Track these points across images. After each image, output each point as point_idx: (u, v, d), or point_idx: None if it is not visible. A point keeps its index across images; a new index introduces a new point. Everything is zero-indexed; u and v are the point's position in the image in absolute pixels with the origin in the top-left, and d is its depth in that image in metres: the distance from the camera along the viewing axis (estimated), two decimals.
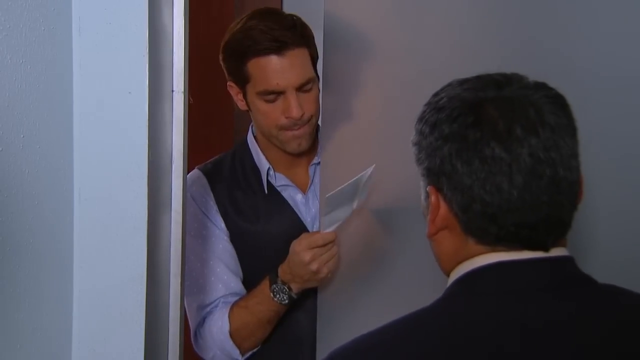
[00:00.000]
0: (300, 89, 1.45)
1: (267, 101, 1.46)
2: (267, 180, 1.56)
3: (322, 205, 1.40)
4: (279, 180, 1.57)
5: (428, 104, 0.91)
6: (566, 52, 1.34)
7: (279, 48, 1.42)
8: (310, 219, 1.55)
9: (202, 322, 1.54)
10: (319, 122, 1.54)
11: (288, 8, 1.71)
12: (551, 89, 0.88)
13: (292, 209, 1.55)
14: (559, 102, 0.87)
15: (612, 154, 1.34)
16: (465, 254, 0.88)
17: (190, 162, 1.19)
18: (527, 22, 1.37)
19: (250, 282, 1.55)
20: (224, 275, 1.54)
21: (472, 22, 1.40)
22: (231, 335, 1.50)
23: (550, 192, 0.83)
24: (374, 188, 1.43)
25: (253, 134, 1.61)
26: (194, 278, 1.52)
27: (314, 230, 1.53)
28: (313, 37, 1.49)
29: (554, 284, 0.85)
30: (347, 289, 1.50)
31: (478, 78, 0.89)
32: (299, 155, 1.55)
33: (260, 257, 1.55)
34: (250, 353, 1.54)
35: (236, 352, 1.51)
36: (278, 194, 1.56)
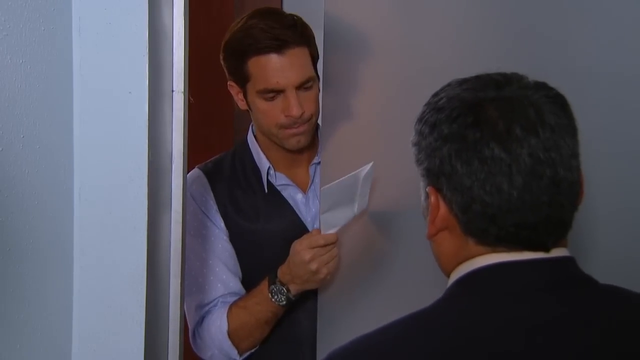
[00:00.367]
0: (300, 87, 1.45)
1: (267, 100, 1.46)
2: (268, 180, 1.56)
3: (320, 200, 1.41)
4: (279, 180, 1.57)
5: (427, 104, 0.90)
6: (566, 52, 1.34)
7: (279, 47, 1.42)
8: (310, 218, 1.55)
9: (200, 322, 1.54)
10: (319, 122, 1.54)
11: (288, 8, 1.71)
12: (551, 88, 0.88)
13: (292, 208, 1.55)
14: (559, 102, 0.86)
15: (613, 152, 1.34)
16: (466, 255, 0.88)
17: (190, 162, 1.18)
18: (527, 22, 1.37)
19: (249, 281, 1.55)
20: (223, 274, 1.54)
21: (472, 22, 1.40)
22: (229, 335, 1.50)
23: (551, 193, 0.83)
24: (374, 188, 1.43)
25: (253, 133, 1.61)
26: (193, 277, 1.53)
27: (312, 229, 1.53)
28: (313, 37, 1.49)
29: (555, 284, 0.85)
30: (348, 290, 1.50)
31: (477, 78, 0.89)
32: (299, 154, 1.56)
33: (259, 257, 1.55)
34: (248, 353, 1.54)
35: (234, 352, 1.51)
36: (278, 193, 1.56)
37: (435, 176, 0.87)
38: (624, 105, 1.32)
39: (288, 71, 1.44)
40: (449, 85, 0.90)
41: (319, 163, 1.55)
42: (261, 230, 1.54)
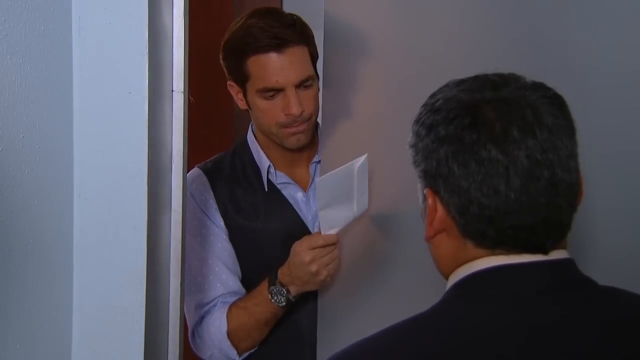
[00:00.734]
0: (300, 86, 1.45)
1: (267, 99, 1.46)
2: (268, 179, 1.56)
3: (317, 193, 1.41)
4: (280, 178, 1.57)
5: (424, 105, 0.90)
6: (566, 52, 1.34)
7: (278, 45, 1.43)
8: (311, 217, 1.55)
9: (200, 321, 1.54)
10: (319, 121, 1.54)
11: (288, 8, 1.71)
12: (549, 89, 0.87)
13: (292, 207, 1.56)
14: (556, 103, 0.86)
15: (614, 152, 1.34)
16: (465, 257, 0.87)
17: (190, 162, 1.19)
18: (527, 22, 1.37)
19: (249, 280, 1.55)
20: (223, 274, 1.54)
21: (471, 22, 1.40)
22: (228, 335, 1.50)
23: (548, 194, 0.83)
24: (374, 187, 1.43)
25: (253, 132, 1.61)
26: (193, 277, 1.53)
27: (314, 228, 1.53)
28: (313, 36, 1.49)
29: (554, 287, 0.84)
30: (348, 290, 1.50)
31: (475, 79, 0.89)
32: (299, 153, 1.56)
33: (259, 256, 1.55)
34: (247, 354, 1.54)
35: (233, 353, 1.51)
36: (278, 192, 1.56)
37: (432, 178, 0.87)
38: (624, 105, 1.32)
39: (288, 70, 1.44)
40: (446, 86, 0.90)
41: (319, 162, 1.55)
42: (261, 228, 1.54)
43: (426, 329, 0.84)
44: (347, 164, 1.36)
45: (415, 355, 0.81)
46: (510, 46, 1.37)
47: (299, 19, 1.49)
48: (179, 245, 1.13)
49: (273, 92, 1.45)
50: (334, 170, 1.35)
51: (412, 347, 0.82)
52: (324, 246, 1.40)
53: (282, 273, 1.45)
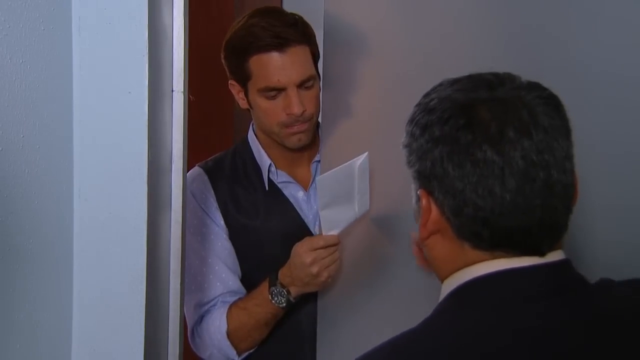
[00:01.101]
0: (301, 86, 1.45)
1: (268, 98, 1.46)
2: (269, 178, 1.56)
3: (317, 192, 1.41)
4: (281, 177, 1.57)
5: (418, 105, 0.89)
6: (566, 51, 1.34)
7: (280, 45, 1.43)
8: (312, 216, 1.55)
9: (199, 321, 1.54)
10: (320, 120, 1.54)
11: (288, 7, 1.71)
12: (544, 89, 0.86)
13: (292, 206, 1.56)
14: (552, 103, 0.85)
15: (613, 152, 1.34)
16: (464, 260, 0.86)
17: (190, 162, 1.19)
18: (526, 21, 1.37)
19: (249, 280, 1.55)
20: (222, 273, 1.54)
21: (471, 21, 1.40)
22: (228, 335, 1.50)
23: (544, 196, 0.82)
24: (375, 187, 1.43)
25: (254, 131, 1.61)
26: (192, 276, 1.53)
27: (315, 227, 1.53)
28: (314, 36, 1.49)
29: (554, 290, 0.84)
30: (348, 291, 1.50)
31: (469, 78, 0.88)
32: (300, 152, 1.56)
33: (260, 254, 1.55)
34: (247, 354, 1.54)
35: (233, 353, 1.51)
36: (279, 191, 1.56)
37: (426, 179, 0.86)
38: (624, 104, 1.32)
39: (289, 69, 1.44)
40: (440, 85, 0.89)
41: (320, 161, 1.55)
42: (262, 227, 1.54)
43: (426, 343, 0.82)
44: (347, 163, 1.35)
45: None
46: (510, 45, 1.36)
47: (300, 18, 1.49)
48: (179, 245, 1.13)
49: (274, 91, 1.45)
50: (334, 169, 1.35)
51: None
52: (325, 247, 1.40)
53: (283, 274, 1.45)
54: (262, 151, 1.57)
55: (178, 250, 1.13)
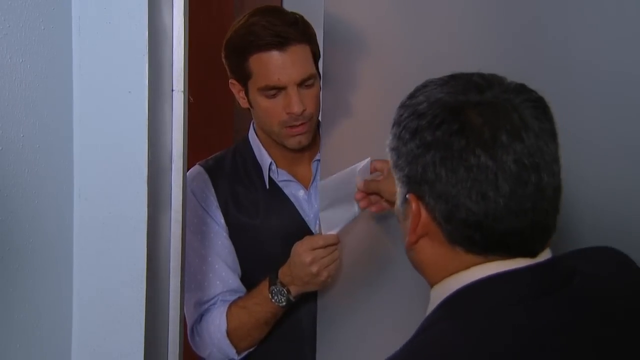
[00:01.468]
0: (302, 85, 1.45)
1: (269, 97, 1.46)
2: (269, 176, 1.56)
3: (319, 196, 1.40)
4: (281, 176, 1.57)
5: (405, 106, 0.88)
6: (565, 51, 1.34)
7: (280, 43, 1.42)
8: (312, 215, 1.55)
9: (199, 319, 1.54)
10: (320, 119, 1.54)
11: (288, 7, 1.71)
12: (531, 91, 0.86)
13: (293, 204, 1.55)
14: (540, 106, 0.85)
15: (612, 150, 1.34)
16: (456, 265, 0.86)
17: (190, 162, 1.19)
18: (526, 20, 1.37)
19: (249, 279, 1.55)
20: (222, 272, 1.54)
21: (471, 20, 1.40)
22: (228, 334, 1.50)
23: (535, 199, 0.82)
24: None
25: (255, 130, 1.61)
26: (192, 274, 1.52)
27: (316, 226, 1.53)
28: (315, 35, 1.49)
29: (549, 288, 0.84)
30: (348, 290, 1.50)
31: (457, 79, 0.87)
32: (301, 152, 1.56)
33: (260, 253, 1.55)
34: (246, 352, 1.54)
35: (232, 352, 1.51)
36: (279, 189, 1.56)
37: (416, 183, 0.85)
38: (623, 103, 1.32)
39: (289, 68, 1.44)
40: (425, 86, 0.88)
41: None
42: (262, 226, 1.54)
43: (445, 345, 0.81)
44: (349, 168, 1.35)
45: None
46: (510, 44, 1.36)
47: (301, 17, 1.49)
48: (179, 245, 1.13)
49: (275, 90, 1.45)
50: (336, 175, 1.35)
51: None
52: (324, 247, 1.40)
53: (283, 273, 1.45)
54: (263, 150, 1.57)
55: (178, 250, 1.13)
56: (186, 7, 1.10)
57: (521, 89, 0.86)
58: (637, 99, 1.31)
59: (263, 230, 1.54)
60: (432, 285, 0.90)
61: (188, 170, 1.32)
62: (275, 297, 1.45)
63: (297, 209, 1.55)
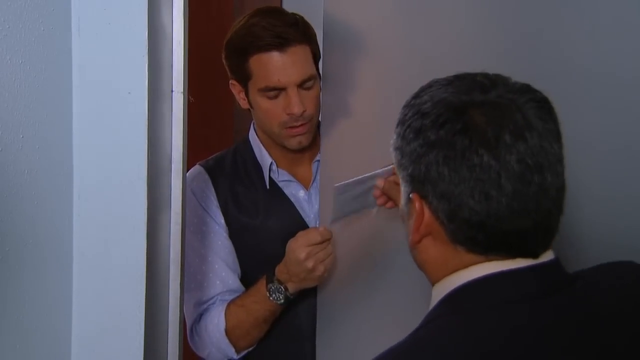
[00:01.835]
0: (302, 85, 1.45)
1: (269, 98, 1.46)
2: (270, 176, 1.56)
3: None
4: (282, 176, 1.57)
5: (409, 106, 0.88)
6: (565, 53, 1.35)
7: (280, 44, 1.43)
8: (313, 215, 1.55)
9: (198, 319, 1.54)
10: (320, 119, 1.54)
11: (288, 7, 1.71)
12: (536, 91, 0.86)
13: (293, 205, 1.56)
14: (545, 106, 0.85)
15: (612, 152, 1.34)
16: (456, 264, 0.86)
17: (189, 162, 1.19)
18: (526, 21, 1.37)
19: (249, 279, 1.55)
20: (222, 272, 1.54)
21: (471, 21, 1.40)
22: (227, 333, 1.50)
23: (539, 199, 0.82)
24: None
25: (255, 130, 1.61)
26: (192, 274, 1.53)
27: (316, 226, 1.53)
28: (315, 35, 1.50)
29: (548, 289, 0.84)
30: (347, 288, 1.50)
31: (461, 79, 0.87)
32: (301, 152, 1.56)
33: (259, 253, 1.55)
34: (245, 352, 1.54)
35: (232, 351, 1.51)
36: (280, 189, 1.57)
37: (420, 183, 0.85)
38: (622, 106, 1.33)
39: (290, 69, 1.44)
40: (430, 86, 0.88)
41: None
42: (262, 226, 1.55)
43: (425, 351, 0.82)
44: (368, 174, 1.33)
45: None
46: (510, 45, 1.37)
47: (301, 18, 1.49)
48: (179, 246, 1.13)
49: (275, 91, 1.45)
50: (353, 179, 1.32)
51: None
52: (320, 242, 1.40)
53: (280, 271, 1.45)
54: (264, 150, 1.57)
55: (178, 251, 1.13)
56: (186, 7, 1.10)
57: (526, 89, 0.86)
58: (638, 101, 1.31)
59: (263, 230, 1.55)
60: (433, 283, 0.90)
61: (188, 171, 1.32)
62: (273, 295, 1.45)
63: (297, 209, 1.56)
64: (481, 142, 0.81)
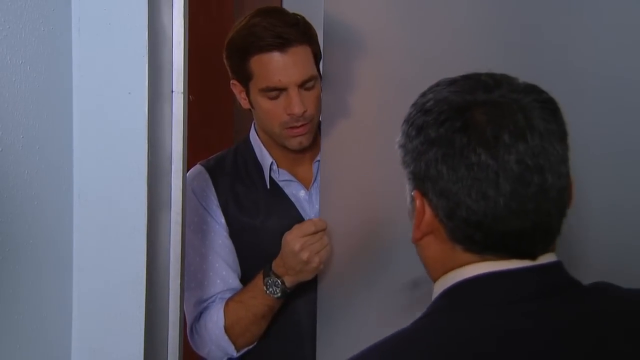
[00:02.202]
0: (303, 86, 1.45)
1: (270, 98, 1.46)
2: (270, 176, 1.56)
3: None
4: (282, 176, 1.57)
5: (415, 104, 0.89)
6: (566, 54, 1.34)
7: (281, 44, 1.43)
8: (313, 215, 1.55)
9: (198, 317, 1.54)
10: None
11: (288, 8, 1.71)
12: (542, 92, 0.86)
13: (294, 205, 1.56)
14: (549, 107, 0.85)
15: (612, 154, 1.34)
16: (454, 262, 0.86)
17: (190, 163, 1.19)
18: (527, 21, 1.37)
19: (249, 278, 1.55)
20: (222, 270, 1.54)
21: (471, 21, 1.40)
22: (226, 330, 1.50)
23: (538, 200, 0.82)
24: (374, 186, 1.43)
25: (256, 130, 1.61)
26: (192, 273, 1.52)
27: None
28: (316, 36, 1.50)
29: (544, 292, 0.84)
30: (347, 287, 1.49)
31: (467, 79, 0.87)
32: (302, 152, 1.56)
33: (260, 253, 1.55)
34: (245, 350, 1.54)
35: (231, 348, 1.51)
36: (280, 189, 1.56)
37: (420, 180, 0.86)
38: (622, 107, 1.32)
39: (290, 69, 1.44)
40: (437, 85, 0.88)
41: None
42: (262, 226, 1.54)
43: (411, 345, 0.82)
44: None
45: None
46: (510, 45, 1.36)
47: (302, 18, 1.49)
48: (179, 246, 1.13)
49: (276, 91, 1.45)
50: None
51: None
52: (314, 233, 1.40)
53: (276, 264, 1.45)
54: (264, 150, 1.57)
55: (178, 251, 1.13)
56: (186, 8, 1.10)
57: (531, 90, 0.85)
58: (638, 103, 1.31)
59: (263, 230, 1.55)
60: (434, 281, 0.91)
61: (188, 170, 1.32)
62: (270, 289, 1.45)
63: (297, 209, 1.56)
64: (480, 141, 0.81)
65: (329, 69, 1.46)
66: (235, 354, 1.53)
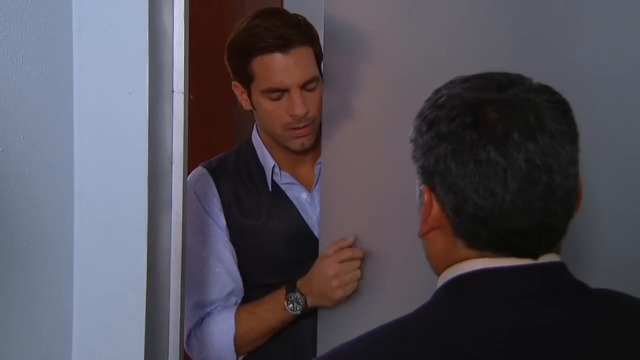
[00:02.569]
0: (305, 87, 1.45)
1: (272, 99, 1.46)
2: (272, 179, 1.56)
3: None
4: (284, 179, 1.57)
5: (429, 100, 0.89)
6: (568, 53, 1.34)
7: (283, 46, 1.42)
8: (315, 217, 1.54)
9: (199, 323, 1.53)
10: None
11: (288, 8, 1.71)
12: (554, 92, 0.86)
13: (295, 207, 1.55)
14: (560, 108, 0.85)
15: (615, 157, 1.34)
16: (455, 257, 0.87)
17: (190, 163, 1.18)
18: (528, 22, 1.37)
19: (250, 281, 1.55)
20: (222, 275, 1.53)
21: (472, 21, 1.40)
22: (234, 340, 1.50)
23: (545, 200, 0.82)
24: (375, 187, 1.43)
25: (258, 132, 1.60)
26: (192, 276, 1.52)
27: (316, 229, 1.53)
28: (318, 37, 1.49)
29: (541, 291, 0.84)
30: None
31: (480, 77, 0.88)
32: (304, 154, 1.55)
33: (262, 256, 1.55)
34: (242, 358, 1.54)
35: (232, 357, 1.51)
36: (282, 192, 1.56)
37: (429, 175, 0.86)
38: (625, 110, 1.32)
39: (292, 70, 1.43)
40: (451, 82, 0.89)
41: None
42: (264, 228, 1.54)
43: (407, 333, 0.83)
44: None
45: None
46: (512, 46, 1.36)
47: (304, 19, 1.48)
48: (179, 246, 1.13)
49: (278, 92, 1.45)
50: None
51: (391, 352, 0.81)
52: (350, 259, 1.40)
53: (303, 282, 1.45)
54: (266, 152, 1.57)
55: (178, 251, 1.13)
56: (186, 8, 1.10)
57: (543, 90, 0.86)
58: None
59: (265, 232, 1.54)
60: (438, 275, 0.91)
61: (188, 171, 1.32)
62: (291, 305, 1.45)
63: (299, 212, 1.55)
64: (490, 138, 0.81)
65: (329, 69, 1.46)
66: None
